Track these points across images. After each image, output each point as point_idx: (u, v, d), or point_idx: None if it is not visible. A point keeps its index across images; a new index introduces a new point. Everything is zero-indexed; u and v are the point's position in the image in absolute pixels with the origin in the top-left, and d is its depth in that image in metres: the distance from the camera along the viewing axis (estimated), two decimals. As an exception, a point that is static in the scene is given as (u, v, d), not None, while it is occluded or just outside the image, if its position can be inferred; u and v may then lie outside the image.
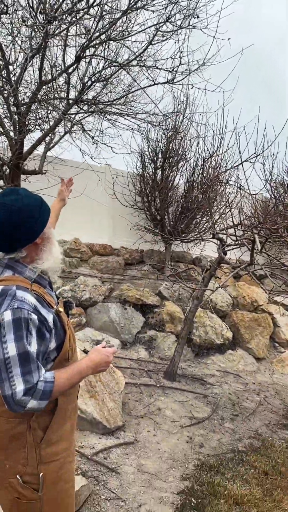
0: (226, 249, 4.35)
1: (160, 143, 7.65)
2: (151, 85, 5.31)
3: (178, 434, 3.77)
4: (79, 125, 6.48)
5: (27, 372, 1.28)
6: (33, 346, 1.32)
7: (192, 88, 5.02)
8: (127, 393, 4.36)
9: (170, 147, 7.61)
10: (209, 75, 5.76)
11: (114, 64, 5.78)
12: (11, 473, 1.41)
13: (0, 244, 1.42)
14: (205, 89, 4.85)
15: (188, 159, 7.58)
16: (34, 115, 6.01)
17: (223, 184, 5.98)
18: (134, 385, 4.56)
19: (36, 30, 4.05)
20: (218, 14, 5.39)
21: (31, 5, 3.98)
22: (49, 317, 1.40)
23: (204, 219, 7.82)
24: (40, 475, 1.41)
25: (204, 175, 6.71)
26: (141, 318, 5.99)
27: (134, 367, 5.10)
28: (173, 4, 5.16)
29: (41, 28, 3.78)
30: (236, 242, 3.83)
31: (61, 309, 1.53)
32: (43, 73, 5.26)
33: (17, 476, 1.40)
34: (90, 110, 6.19)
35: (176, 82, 5.00)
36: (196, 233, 7.65)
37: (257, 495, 2.84)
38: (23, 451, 1.41)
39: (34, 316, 1.33)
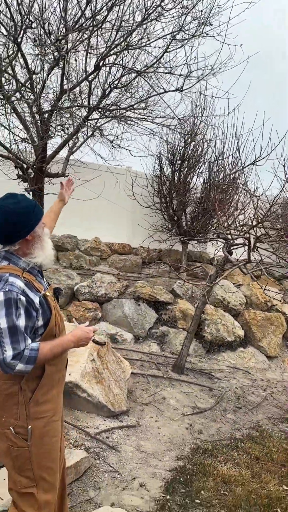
0: (231, 248, 4.55)
1: (177, 146, 7.90)
2: (161, 93, 5.59)
3: (179, 421, 4.01)
4: (98, 131, 6.83)
5: (15, 341, 1.58)
6: (21, 321, 1.62)
7: (200, 95, 5.24)
8: (135, 382, 4.64)
9: (188, 150, 7.84)
10: (221, 80, 5.99)
11: (132, 71, 6.12)
12: (6, 426, 1.72)
13: (3, 239, 1.74)
14: (212, 96, 5.07)
15: (204, 161, 7.78)
16: (55, 122, 6.41)
17: (227, 186, 6.17)
18: (142, 376, 4.84)
19: (47, 49, 4.42)
20: (229, 21, 5.62)
21: (42, 25, 4.35)
22: (36, 299, 1.70)
23: (222, 219, 7.99)
24: (29, 427, 1.71)
25: (212, 178, 6.93)
26: (154, 314, 6.25)
27: (145, 360, 5.37)
28: (185, 15, 5.43)
29: (53, 46, 4.13)
30: (231, 242, 4.02)
31: (49, 294, 1.83)
32: (64, 82, 5.66)
33: (10, 428, 1.71)
34: (110, 115, 6.54)
35: (185, 90, 5.26)
36: (212, 233, 7.85)
37: (245, 476, 3.05)
38: (15, 408, 1.72)
39: (23, 298, 1.63)
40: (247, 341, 6.57)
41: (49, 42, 4.35)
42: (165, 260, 8.13)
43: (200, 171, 7.93)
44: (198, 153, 7.79)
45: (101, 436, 3.45)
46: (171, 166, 8.08)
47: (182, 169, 7.96)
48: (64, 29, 5.14)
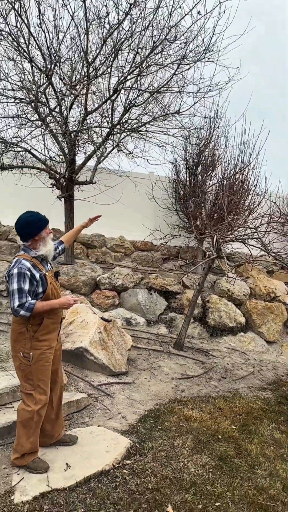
0: (219, 245, 5.46)
1: (192, 153, 8.81)
2: (163, 115, 6.63)
3: (168, 382, 5.02)
4: (120, 144, 7.98)
5: (20, 297, 2.71)
6: (26, 286, 2.74)
7: (194, 116, 6.19)
8: (138, 354, 5.71)
9: (202, 157, 8.72)
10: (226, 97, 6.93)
11: (147, 91, 7.26)
12: (18, 351, 2.86)
13: (21, 237, 2.89)
14: (204, 116, 6.01)
15: (217, 167, 8.62)
16: (81, 139, 7.65)
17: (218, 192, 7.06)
18: (145, 349, 5.89)
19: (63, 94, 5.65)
20: (227, 47, 6.59)
21: (61, 77, 5.57)
22: (37, 275, 2.82)
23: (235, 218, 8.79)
24: (31, 353, 2.84)
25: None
26: (164, 302, 7.26)
27: (151, 339, 6.41)
28: (185, 49, 6.47)
29: (67, 92, 5.31)
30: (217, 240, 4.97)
31: (47, 273, 2.93)
32: (88, 104, 6.90)
33: (21, 353, 2.85)
34: (131, 129, 7.69)
35: (182, 111, 6.26)
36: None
37: (204, 418, 4.01)
38: (24, 341, 2.85)
39: (28, 272, 2.76)
40: (248, 327, 7.38)
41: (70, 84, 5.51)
42: (183, 256, 9.08)
43: (213, 175, 8.79)
44: (211, 159, 8.65)
45: (102, 387, 4.55)
46: (188, 171, 9.00)
47: (197, 174, 8.85)
48: (84, 68, 6.34)
